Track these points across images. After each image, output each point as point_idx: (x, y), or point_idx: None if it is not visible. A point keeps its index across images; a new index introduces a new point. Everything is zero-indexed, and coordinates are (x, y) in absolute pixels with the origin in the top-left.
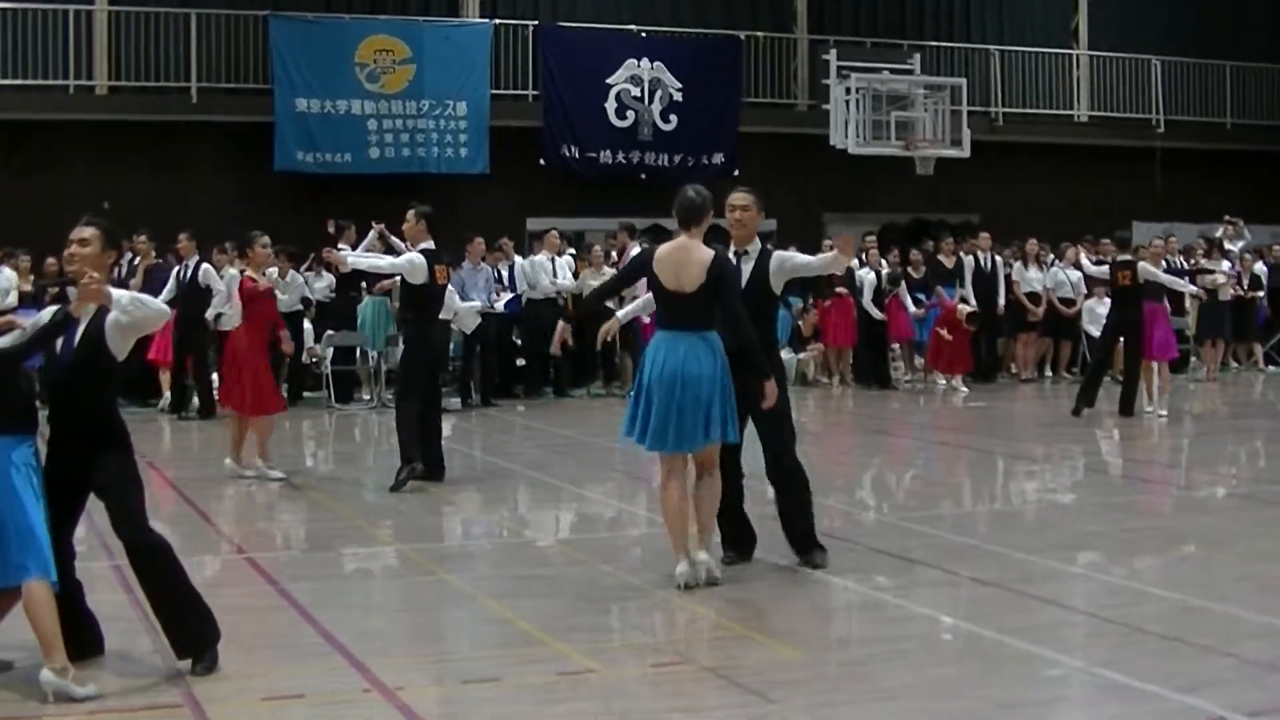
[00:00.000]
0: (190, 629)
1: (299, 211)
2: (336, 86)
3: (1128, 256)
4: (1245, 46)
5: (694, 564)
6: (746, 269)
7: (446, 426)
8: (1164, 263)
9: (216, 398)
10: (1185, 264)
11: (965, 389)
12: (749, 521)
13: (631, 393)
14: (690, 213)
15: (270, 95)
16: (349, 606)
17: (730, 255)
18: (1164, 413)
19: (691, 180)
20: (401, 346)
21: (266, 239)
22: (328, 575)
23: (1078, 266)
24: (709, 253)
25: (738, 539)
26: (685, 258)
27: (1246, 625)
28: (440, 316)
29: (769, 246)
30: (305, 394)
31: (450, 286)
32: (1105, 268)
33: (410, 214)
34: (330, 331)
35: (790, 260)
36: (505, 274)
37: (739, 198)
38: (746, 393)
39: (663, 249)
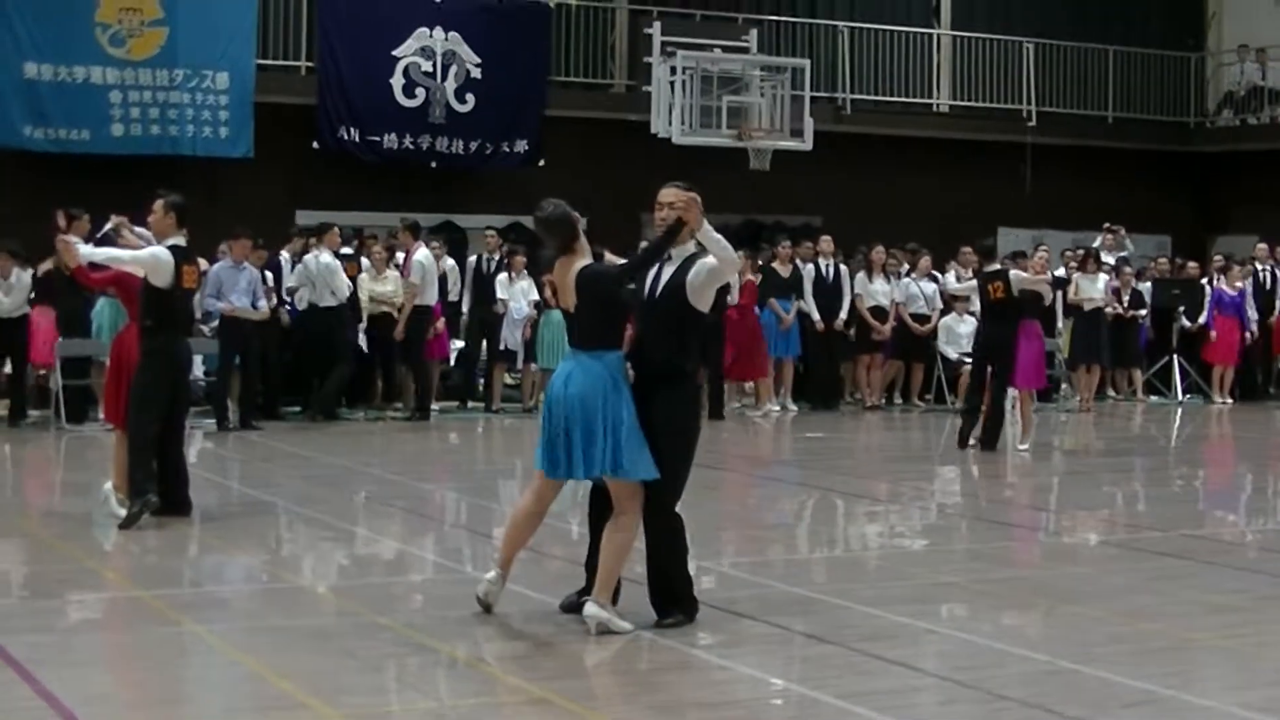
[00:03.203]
0: None
1: (25, 197)
2: (73, 50)
3: (996, 266)
4: (1131, 30)
5: (503, 578)
6: (667, 272)
7: (197, 452)
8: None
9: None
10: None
11: (794, 408)
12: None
13: None
14: (555, 230)
15: None
16: (74, 664)
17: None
18: (1024, 446)
19: (489, 169)
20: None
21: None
22: (49, 626)
23: (933, 278)
24: (579, 267)
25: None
26: (564, 277)
27: (1121, 691)
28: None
29: (699, 253)
30: (30, 412)
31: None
32: (971, 283)
33: (158, 204)
34: (60, 339)
35: (704, 267)
36: (273, 275)
37: (669, 193)
38: (646, 424)
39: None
